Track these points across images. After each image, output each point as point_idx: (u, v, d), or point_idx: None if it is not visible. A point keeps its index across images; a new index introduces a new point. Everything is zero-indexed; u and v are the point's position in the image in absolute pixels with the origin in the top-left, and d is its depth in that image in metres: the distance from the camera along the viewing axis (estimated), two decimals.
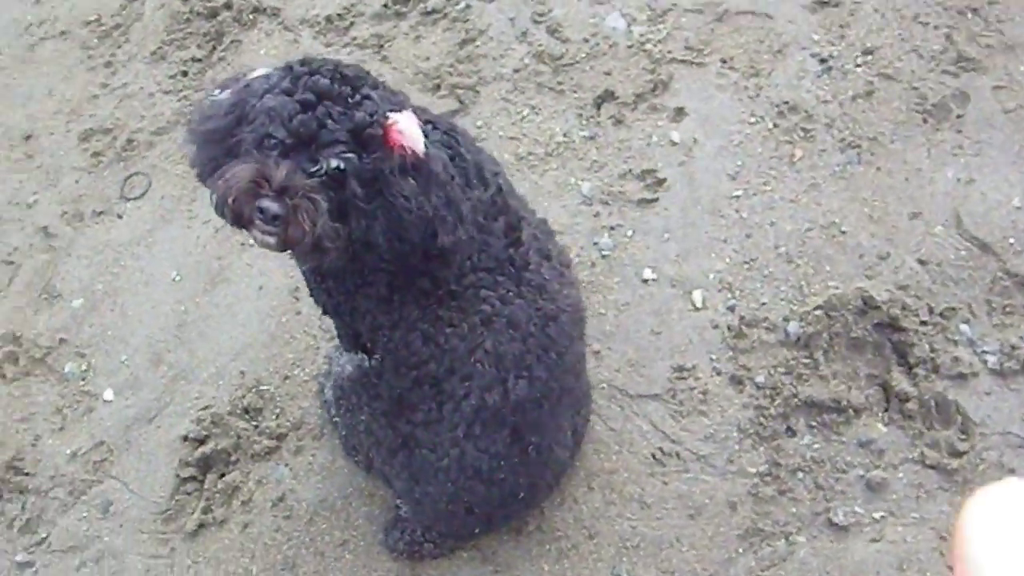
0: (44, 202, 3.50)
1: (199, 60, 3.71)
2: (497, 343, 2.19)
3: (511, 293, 2.19)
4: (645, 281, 2.97)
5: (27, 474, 3.00)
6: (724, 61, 3.32)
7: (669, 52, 3.36)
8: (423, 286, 2.16)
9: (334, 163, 1.85)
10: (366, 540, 2.73)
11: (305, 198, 1.82)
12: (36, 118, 3.72)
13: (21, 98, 3.79)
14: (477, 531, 2.60)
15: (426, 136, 2.01)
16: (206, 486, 2.88)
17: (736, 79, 3.28)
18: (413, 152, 1.91)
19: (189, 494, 2.88)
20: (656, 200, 3.09)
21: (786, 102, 3.19)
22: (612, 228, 3.07)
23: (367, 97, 1.89)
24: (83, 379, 3.13)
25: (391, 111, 1.91)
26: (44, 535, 2.91)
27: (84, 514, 2.91)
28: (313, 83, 1.86)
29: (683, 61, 3.34)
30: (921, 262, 2.86)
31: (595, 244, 3.06)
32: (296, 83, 1.88)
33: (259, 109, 1.89)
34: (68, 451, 3.01)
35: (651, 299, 2.94)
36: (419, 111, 2.13)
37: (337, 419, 2.70)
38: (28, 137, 3.68)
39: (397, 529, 2.66)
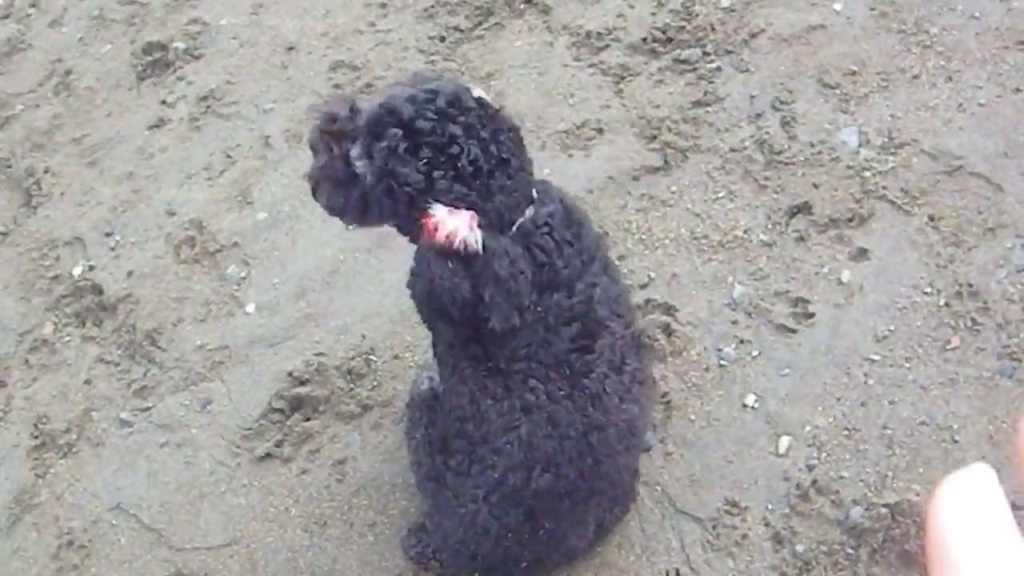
0: (278, 113, 3.97)
1: (460, 31, 4.04)
2: (532, 433, 2.35)
3: (562, 393, 2.32)
4: (745, 406, 3.06)
5: (160, 348, 3.51)
6: (932, 218, 3.28)
7: (884, 188, 3.36)
8: (474, 352, 2.38)
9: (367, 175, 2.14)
10: (391, 530, 3.04)
11: (326, 176, 2.18)
12: (304, 33, 4.19)
13: (299, 10, 4.27)
14: None
15: (508, 234, 2.18)
16: (288, 423, 3.27)
17: (934, 241, 3.24)
18: (458, 244, 2.08)
19: (272, 423, 3.29)
20: (795, 332, 3.15)
21: (970, 285, 3.14)
22: (742, 342, 3.17)
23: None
24: (237, 285, 3.59)
25: (437, 204, 2.08)
26: (150, 405, 3.42)
27: (187, 402, 3.39)
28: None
29: (892, 202, 3.33)
30: (1014, 506, 2.80)
31: (719, 350, 3.16)
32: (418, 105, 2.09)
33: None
34: (198, 342, 3.49)
35: (741, 426, 3.03)
36: (548, 213, 2.28)
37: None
38: (291, 48, 4.16)
39: (415, 535, 2.94)
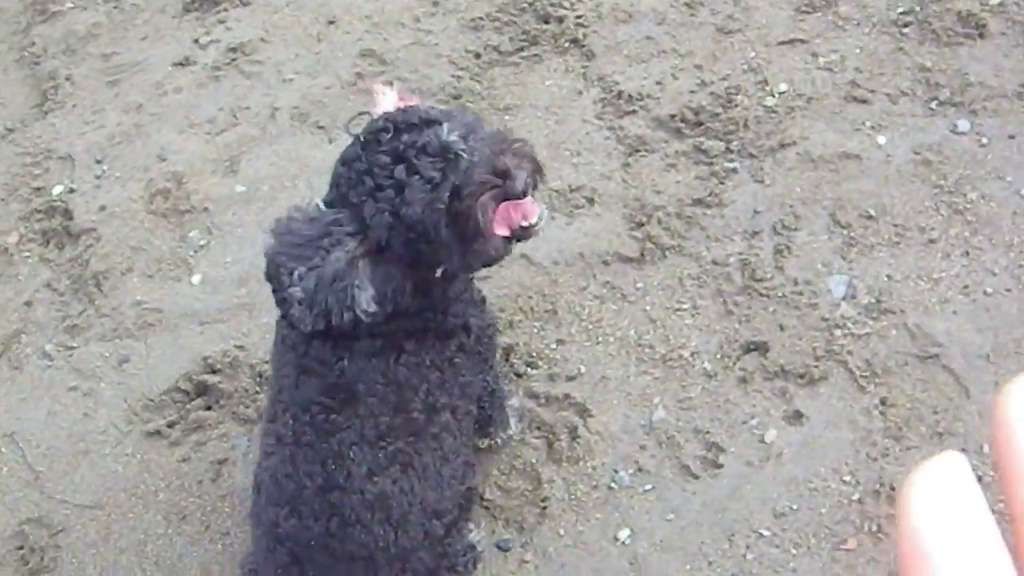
0: (295, 86, 4.00)
1: (499, 52, 3.98)
2: (276, 469, 2.46)
3: (305, 439, 2.39)
4: (616, 539, 3.01)
5: (102, 291, 3.62)
6: (884, 402, 3.14)
7: (849, 353, 3.22)
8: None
9: None
10: (239, 545, 3.11)
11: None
12: (349, 9, 4.21)
13: None
14: None
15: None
16: (188, 407, 3.35)
17: (875, 429, 3.10)
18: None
19: (173, 402, 3.38)
20: (696, 478, 3.07)
21: (892, 488, 2.99)
22: (640, 470, 3.10)
23: None
24: (194, 252, 3.67)
25: None
26: (75, 346, 3.54)
27: (107, 353, 3.51)
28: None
29: (851, 371, 3.19)
30: None
31: (615, 471, 3.11)
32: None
33: None
34: (138, 298, 3.59)
35: (603, 558, 2.99)
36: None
37: None
38: (331, 22, 4.16)
39: (254, 556, 3.02)
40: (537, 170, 2.27)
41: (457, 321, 2.54)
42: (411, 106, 2.29)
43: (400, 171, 2.12)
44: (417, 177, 2.12)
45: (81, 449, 3.34)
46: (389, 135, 2.16)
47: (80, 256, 3.70)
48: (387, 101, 2.37)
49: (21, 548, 3.20)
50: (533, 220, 2.29)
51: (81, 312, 3.60)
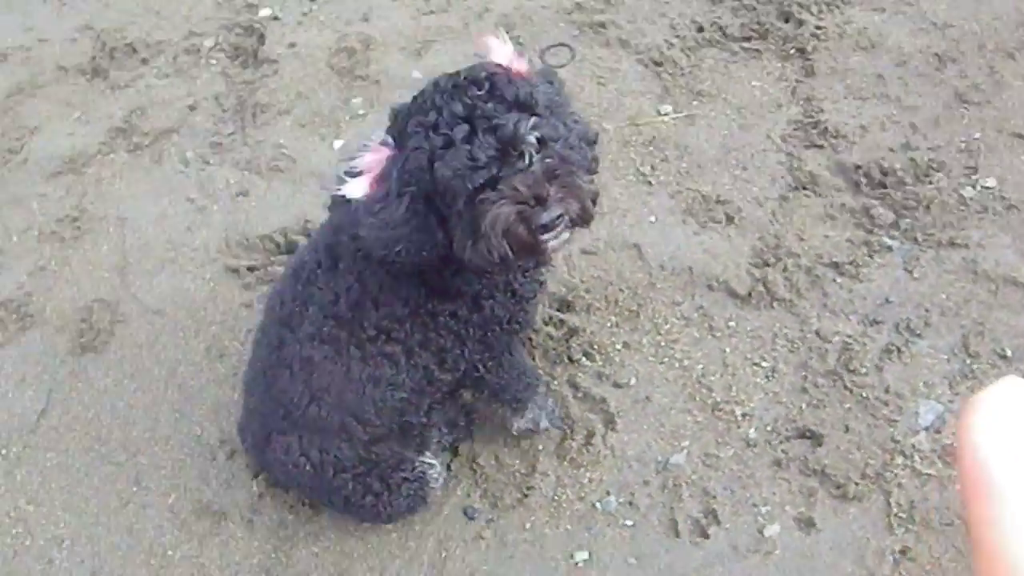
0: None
1: (724, 34, 3.86)
2: (277, 285, 2.89)
3: (301, 274, 2.64)
4: (571, 556, 2.95)
5: (255, 123, 3.86)
6: (904, 552, 2.87)
7: (899, 486, 2.94)
8: None
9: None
10: None
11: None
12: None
13: None
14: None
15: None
16: (272, 259, 3.61)
17: (882, 575, 2.89)
18: None
19: (264, 250, 3.67)
20: (677, 536, 2.95)
21: None
22: (631, 504, 3.02)
23: None
24: (349, 118, 3.82)
25: None
26: (209, 163, 3.88)
27: (233, 181, 3.81)
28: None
29: (889, 505, 2.93)
30: None
31: (607, 492, 3.04)
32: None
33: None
34: (282, 140, 3.81)
35: (550, 571, 2.95)
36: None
37: None
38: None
39: None
40: (581, 214, 2.18)
41: (465, 288, 2.54)
42: (521, 78, 2.24)
43: (460, 131, 2.09)
44: (468, 147, 2.10)
45: (170, 257, 3.60)
46: (480, 92, 2.14)
47: (254, 82, 3.91)
48: (501, 53, 2.32)
49: (84, 322, 3.52)
50: (549, 236, 2.17)
51: (230, 134, 3.83)
